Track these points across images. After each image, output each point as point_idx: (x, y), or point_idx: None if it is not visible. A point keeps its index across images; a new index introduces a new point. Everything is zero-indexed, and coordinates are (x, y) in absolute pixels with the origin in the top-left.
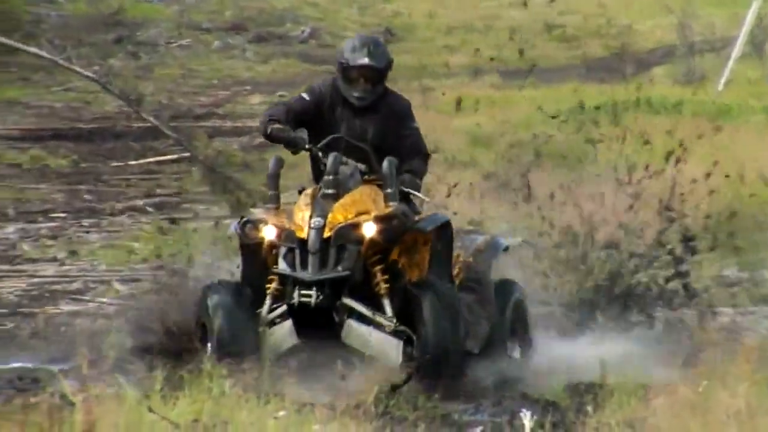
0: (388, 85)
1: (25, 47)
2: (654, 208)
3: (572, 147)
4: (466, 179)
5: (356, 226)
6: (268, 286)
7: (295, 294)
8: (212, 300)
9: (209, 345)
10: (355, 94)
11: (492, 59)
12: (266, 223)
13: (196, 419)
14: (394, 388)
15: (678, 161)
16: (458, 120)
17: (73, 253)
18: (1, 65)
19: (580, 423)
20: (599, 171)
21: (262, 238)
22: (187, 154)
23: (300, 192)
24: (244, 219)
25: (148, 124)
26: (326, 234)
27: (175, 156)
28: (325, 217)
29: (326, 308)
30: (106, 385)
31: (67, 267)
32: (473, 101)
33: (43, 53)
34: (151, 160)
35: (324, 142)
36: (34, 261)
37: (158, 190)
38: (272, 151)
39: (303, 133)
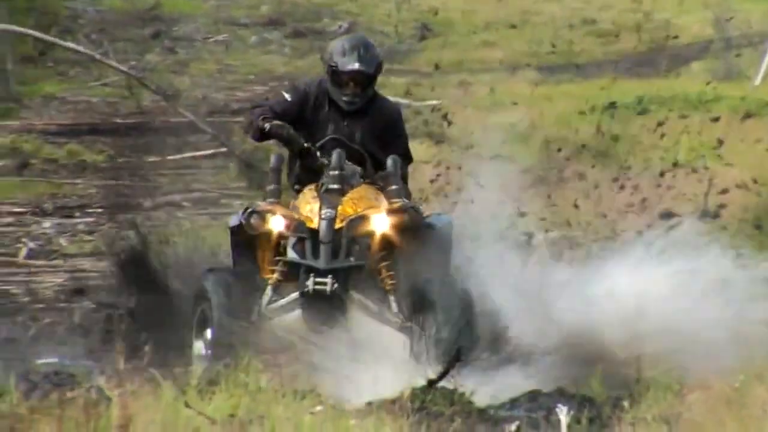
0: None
1: (62, 42)
2: (692, 203)
3: (609, 142)
4: (502, 175)
5: (368, 218)
6: (269, 276)
7: (310, 282)
8: (211, 283)
9: (209, 329)
10: (345, 98)
11: (529, 55)
12: (273, 213)
13: (233, 414)
14: (431, 383)
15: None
16: (495, 116)
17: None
18: (38, 60)
19: (616, 418)
20: (637, 166)
21: (269, 229)
22: (224, 150)
23: (297, 191)
24: (249, 210)
25: (185, 119)
26: (338, 225)
27: (211, 151)
28: (335, 209)
29: (339, 297)
30: (142, 380)
31: (103, 262)
32: (510, 96)
33: (80, 48)
34: (188, 155)
35: (321, 141)
36: (71, 256)
37: (195, 186)
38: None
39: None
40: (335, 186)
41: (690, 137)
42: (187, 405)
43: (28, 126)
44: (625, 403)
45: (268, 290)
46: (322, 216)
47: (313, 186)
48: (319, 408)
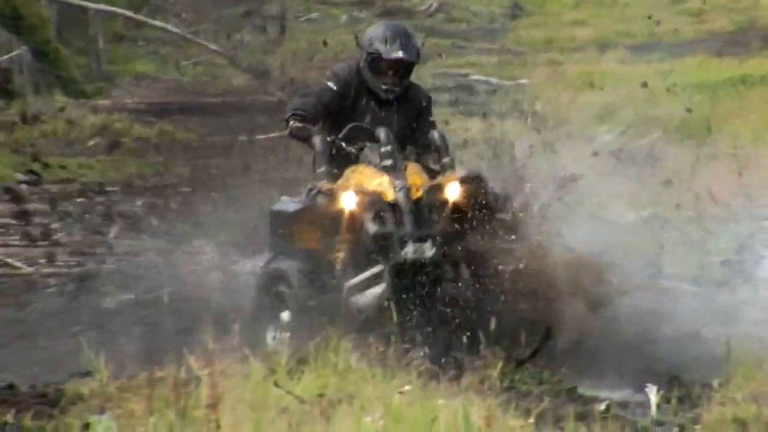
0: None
1: (153, 21)
2: None
3: (699, 121)
4: (592, 153)
5: (442, 186)
6: (336, 255)
7: (409, 248)
8: (288, 266)
9: (285, 312)
10: (385, 87)
11: (619, 34)
12: (345, 189)
13: (322, 394)
14: (520, 363)
15: None
16: (585, 95)
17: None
18: (130, 40)
19: (706, 397)
20: (727, 145)
21: (341, 208)
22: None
23: (336, 176)
24: (314, 191)
25: (275, 98)
26: (416, 195)
27: None
28: (405, 180)
29: (430, 265)
30: (231, 360)
31: (193, 241)
32: (600, 75)
33: (171, 27)
34: (278, 134)
35: (342, 133)
36: (162, 234)
37: (285, 165)
38: None
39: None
40: (388, 162)
41: None
42: (276, 384)
43: (119, 105)
44: (715, 383)
45: (339, 268)
46: (398, 187)
47: (361, 166)
48: (408, 387)
